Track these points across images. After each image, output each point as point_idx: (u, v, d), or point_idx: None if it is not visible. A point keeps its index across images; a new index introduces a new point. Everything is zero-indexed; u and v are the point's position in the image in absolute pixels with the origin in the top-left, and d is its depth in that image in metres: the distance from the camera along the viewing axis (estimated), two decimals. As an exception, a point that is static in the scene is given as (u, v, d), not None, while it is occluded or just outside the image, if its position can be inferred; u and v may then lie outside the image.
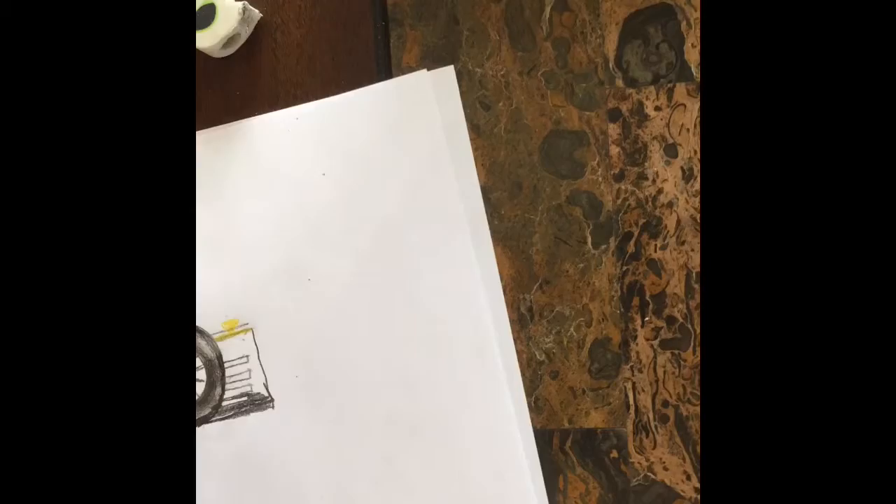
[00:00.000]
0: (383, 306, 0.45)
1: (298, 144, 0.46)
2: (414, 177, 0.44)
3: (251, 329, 0.47)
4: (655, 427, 0.43)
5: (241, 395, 0.47)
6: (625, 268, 0.43)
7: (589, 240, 0.44)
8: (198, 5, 0.45)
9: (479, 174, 0.45)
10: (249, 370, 0.47)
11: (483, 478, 0.43)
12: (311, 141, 0.46)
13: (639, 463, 0.43)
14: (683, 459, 0.43)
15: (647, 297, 0.43)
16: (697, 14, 0.42)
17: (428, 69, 0.44)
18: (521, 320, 0.44)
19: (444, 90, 0.44)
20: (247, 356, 0.47)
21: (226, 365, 0.47)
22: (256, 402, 0.47)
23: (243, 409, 0.47)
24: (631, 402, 0.43)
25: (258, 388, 0.46)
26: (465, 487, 0.44)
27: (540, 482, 0.43)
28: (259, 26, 0.48)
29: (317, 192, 0.46)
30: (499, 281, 0.44)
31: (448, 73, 0.44)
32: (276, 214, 0.46)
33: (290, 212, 0.46)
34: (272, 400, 0.46)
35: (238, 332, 0.47)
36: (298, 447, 0.46)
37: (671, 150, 0.43)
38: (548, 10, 0.44)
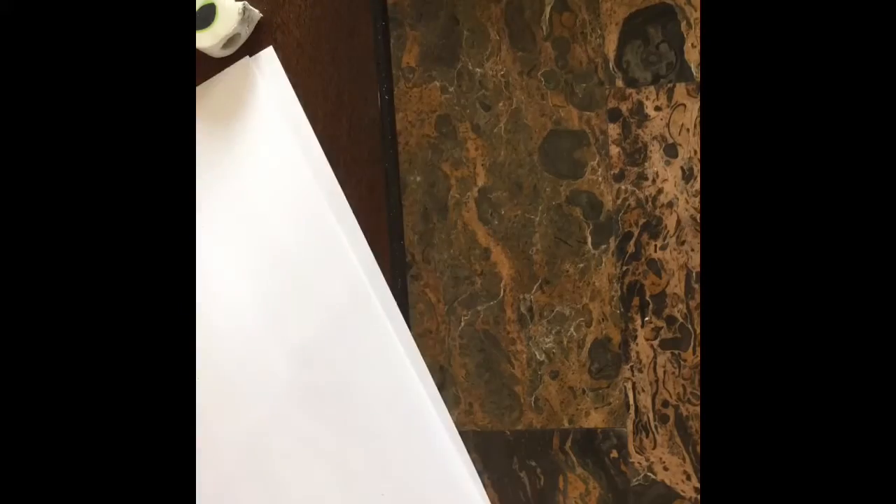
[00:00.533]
0: (261, 285, 0.46)
1: None
2: (261, 157, 0.46)
3: None
4: (655, 427, 0.43)
5: None
6: (625, 268, 0.43)
7: (589, 240, 0.44)
8: (198, 5, 0.45)
9: (479, 174, 0.45)
10: None
11: (388, 423, 0.44)
12: None
13: (639, 463, 0.43)
14: (683, 459, 0.43)
15: (647, 297, 0.43)
16: (697, 14, 0.42)
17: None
18: (521, 320, 0.44)
19: (269, 72, 0.46)
20: None
21: None
22: None
23: None
24: (631, 402, 0.43)
25: None
26: (375, 444, 0.45)
27: (444, 411, 0.44)
28: (259, 26, 0.48)
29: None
30: (359, 230, 0.45)
31: (268, 54, 0.46)
32: None
33: None
34: None
35: None
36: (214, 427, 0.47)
37: (671, 150, 0.43)
38: (548, 10, 0.44)
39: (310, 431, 0.45)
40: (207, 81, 0.46)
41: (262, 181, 0.45)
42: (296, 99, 0.46)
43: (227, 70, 0.46)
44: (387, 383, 0.44)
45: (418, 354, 0.45)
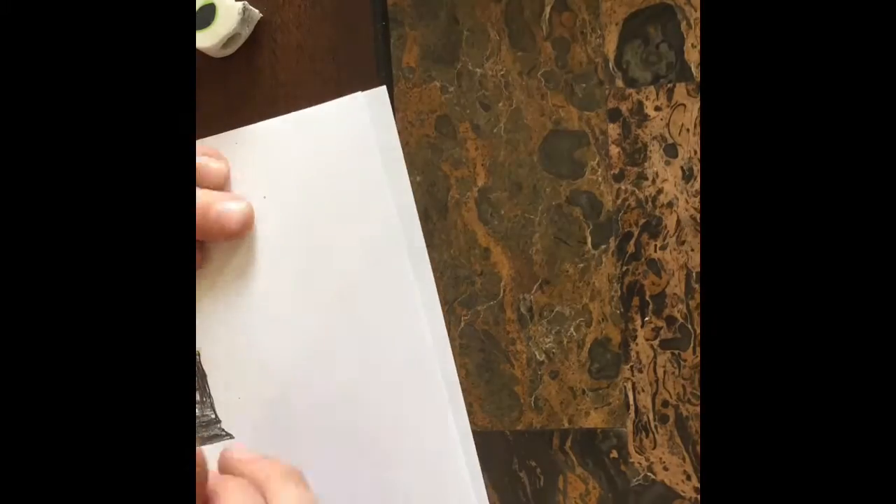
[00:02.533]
0: (322, 326, 0.45)
1: (238, 168, 0.46)
2: (351, 200, 0.44)
3: (199, 352, 0.47)
4: (655, 427, 0.43)
5: None
6: (625, 268, 0.43)
7: (589, 240, 0.44)
8: (198, 5, 0.45)
9: (479, 174, 0.45)
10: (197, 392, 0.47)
11: (425, 490, 0.43)
12: (251, 165, 0.46)
13: (639, 463, 0.43)
14: (683, 459, 0.43)
15: (647, 297, 0.43)
16: (697, 14, 0.42)
17: (362, 90, 0.44)
18: (521, 320, 0.44)
19: (379, 112, 0.44)
20: None
21: None
22: (203, 424, 0.47)
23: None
24: (631, 402, 0.43)
25: (206, 410, 0.47)
26: (410, 500, 0.44)
27: (482, 492, 0.44)
28: (259, 26, 0.48)
29: (258, 214, 0.46)
30: (437, 297, 0.44)
31: (381, 93, 0.44)
32: None
33: None
34: (219, 421, 0.47)
35: None
36: None
37: (671, 150, 0.43)
38: (548, 10, 0.44)
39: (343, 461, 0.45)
40: (311, 109, 0.45)
41: (347, 221, 0.44)
42: (399, 146, 0.44)
43: (336, 101, 0.44)
44: (428, 448, 0.43)
45: (466, 420, 0.44)
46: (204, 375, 0.47)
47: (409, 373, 0.43)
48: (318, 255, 0.45)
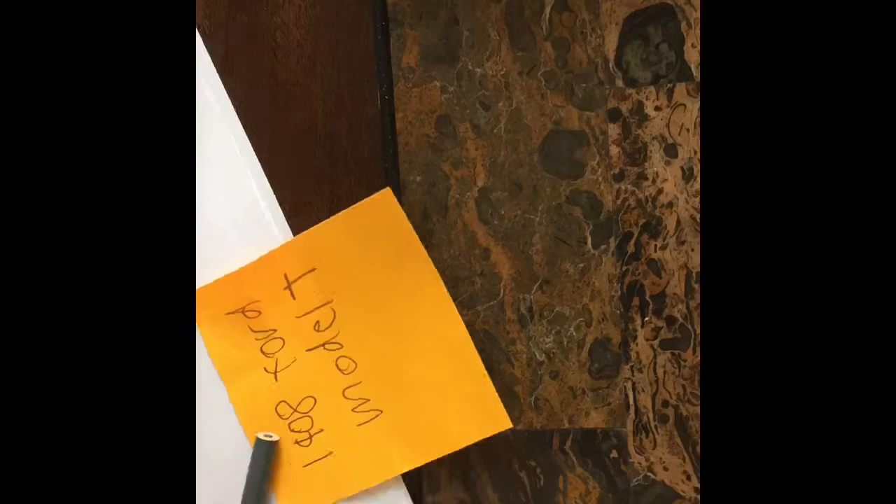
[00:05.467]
0: None
1: None
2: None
3: None
4: (655, 427, 0.43)
5: None
6: (625, 268, 0.43)
7: (589, 240, 0.44)
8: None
9: (479, 174, 0.45)
10: None
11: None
12: None
13: (639, 463, 0.43)
14: (683, 459, 0.43)
15: (647, 297, 0.43)
16: (697, 14, 0.42)
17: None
18: (521, 320, 0.44)
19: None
20: None
21: None
22: None
23: None
24: (631, 402, 0.43)
25: None
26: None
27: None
28: (259, 26, 0.48)
29: None
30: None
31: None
32: None
33: None
34: None
35: None
36: None
37: (671, 150, 0.43)
38: (548, 10, 0.44)
39: None
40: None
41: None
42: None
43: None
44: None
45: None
46: None
47: None
48: None
